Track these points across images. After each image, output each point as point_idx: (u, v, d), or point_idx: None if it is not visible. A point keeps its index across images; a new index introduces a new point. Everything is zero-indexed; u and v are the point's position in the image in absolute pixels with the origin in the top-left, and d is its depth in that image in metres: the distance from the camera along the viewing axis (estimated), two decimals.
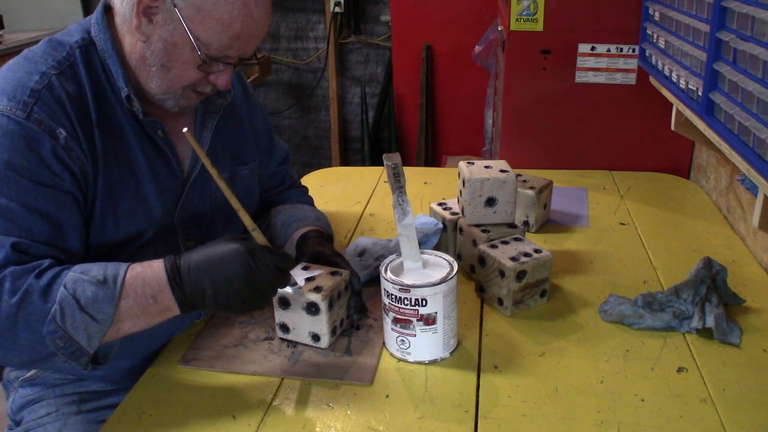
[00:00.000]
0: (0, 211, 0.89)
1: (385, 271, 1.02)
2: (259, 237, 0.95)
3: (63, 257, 0.94)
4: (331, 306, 1.03)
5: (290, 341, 1.08)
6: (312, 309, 1.02)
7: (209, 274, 0.89)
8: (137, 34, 0.97)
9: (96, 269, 0.90)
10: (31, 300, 0.86)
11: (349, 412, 0.93)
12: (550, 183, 1.47)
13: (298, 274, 1.06)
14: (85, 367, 0.90)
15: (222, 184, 0.94)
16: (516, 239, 1.20)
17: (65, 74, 0.97)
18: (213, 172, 0.93)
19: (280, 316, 1.06)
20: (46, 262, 0.90)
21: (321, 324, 1.03)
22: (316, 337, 1.05)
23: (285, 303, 1.04)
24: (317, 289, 1.02)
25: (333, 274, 1.07)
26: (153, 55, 0.97)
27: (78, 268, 0.90)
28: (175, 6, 0.93)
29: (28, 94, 0.93)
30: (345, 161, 3.68)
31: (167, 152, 1.07)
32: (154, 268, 0.91)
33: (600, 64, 1.77)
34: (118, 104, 1.01)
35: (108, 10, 1.02)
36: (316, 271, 1.07)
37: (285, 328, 1.07)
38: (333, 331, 1.06)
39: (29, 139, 0.91)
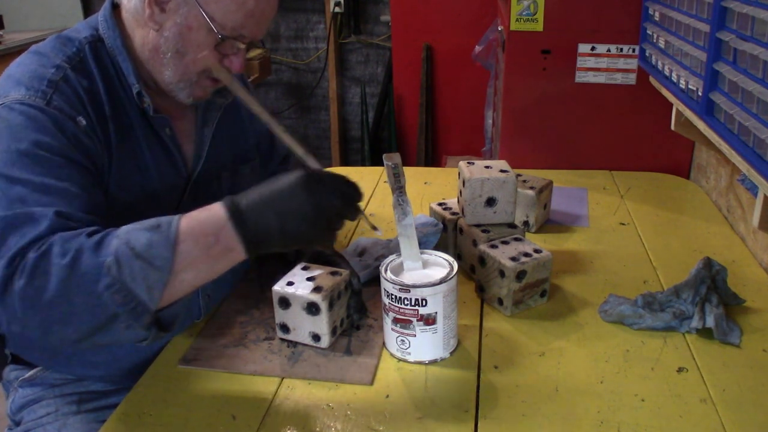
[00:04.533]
0: (35, 189, 0.85)
1: (385, 271, 1.02)
2: (313, 162, 0.89)
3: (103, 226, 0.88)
4: (331, 306, 1.03)
5: (290, 341, 1.08)
6: (312, 309, 1.02)
7: (273, 206, 0.83)
8: (150, 23, 0.97)
9: (147, 220, 0.84)
10: (83, 258, 0.79)
11: (349, 412, 0.93)
12: (550, 183, 1.47)
13: (299, 274, 1.06)
14: (148, 329, 0.83)
15: (266, 117, 0.95)
16: (516, 239, 1.20)
17: (77, 69, 0.97)
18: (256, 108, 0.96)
19: (280, 316, 1.06)
20: (95, 227, 0.85)
21: (321, 324, 1.03)
22: (316, 337, 1.05)
23: (285, 303, 1.04)
24: (317, 289, 1.02)
25: (333, 274, 1.07)
26: (167, 42, 0.98)
27: (128, 224, 0.84)
28: None
29: (45, 84, 0.93)
30: (345, 161, 3.69)
31: (173, 151, 1.07)
32: (211, 209, 0.84)
33: (600, 64, 1.77)
34: (128, 101, 1.02)
35: (115, 7, 1.03)
36: (316, 271, 1.07)
37: (285, 328, 1.07)
38: (333, 331, 1.06)
39: (53, 122, 0.91)
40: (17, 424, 1.14)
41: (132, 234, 0.82)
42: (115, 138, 0.99)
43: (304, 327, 1.05)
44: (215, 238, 0.82)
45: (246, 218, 0.83)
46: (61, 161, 0.89)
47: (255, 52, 3.07)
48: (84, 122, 0.94)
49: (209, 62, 1.00)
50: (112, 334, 0.82)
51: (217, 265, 0.84)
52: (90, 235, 0.82)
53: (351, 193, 0.88)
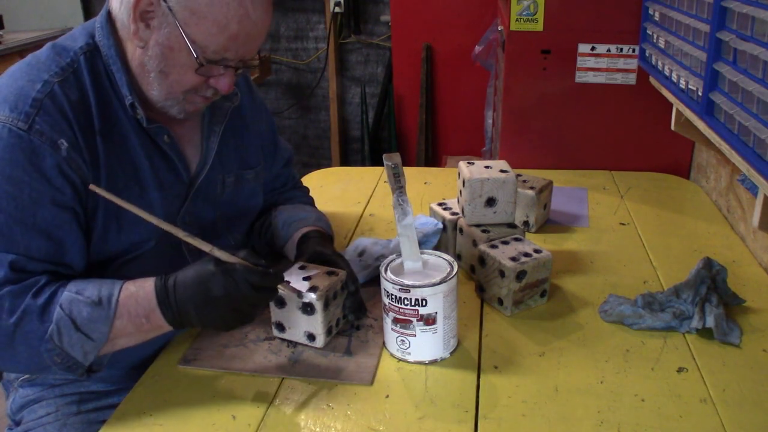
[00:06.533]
0: None
1: (385, 271, 1.02)
2: (223, 255, 0.93)
3: (62, 272, 0.95)
4: (326, 306, 1.03)
5: (290, 341, 1.08)
6: (307, 309, 1.02)
7: (191, 296, 0.92)
8: (135, 40, 0.95)
9: (91, 289, 0.92)
10: (29, 320, 0.89)
11: (349, 412, 0.93)
12: (550, 183, 1.47)
13: (295, 274, 1.06)
14: (80, 376, 0.94)
15: (159, 222, 0.92)
16: (516, 239, 1.19)
17: (68, 81, 0.96)
18: (142, 214, 0.91)
19: (276, 315, 1.06)
20: (43, 280, 0.92)
21: (316, 324, 1.03)
22: (311, 337, 1.05)
23: (281, 302, 1.04)
24: (313, 289, 1.02)
25: (329, 273, 1.07)
26: (151, 61, 0.96)
27: (73, 287, 0.92)
28: (170, 9, 0.92)
29: (30, 104, 0.92)
30: (345, 161, 3.68)
31: (173, 158, 1.06)
32: (146, 290, 0.93)
33: (600, 64, 1.77)
34: (123, 111, 1.00)
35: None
36: (312, 271, 1.07)
37: (281, 327, 1.07)
38: (328, 331, 1.06)
39: (30, 153, 0.91)
40: (17, 423, 1.14)
41: (74, 306, 0.90)
42: (105, 153, 0.98)
43: (299, 326, 1.05)
44: (146, 319, 0.93)
45: (171, 305, 0.93)
46: (28, 202, 0.91)
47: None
48: (66, 145, 0.93)
49: (193, 83, 0.98)
50: (52, 374, 0.97)
51: (147, 335, 0.96)
52: (37, 293, 0.90)
53: (264, 282, 0.94)
